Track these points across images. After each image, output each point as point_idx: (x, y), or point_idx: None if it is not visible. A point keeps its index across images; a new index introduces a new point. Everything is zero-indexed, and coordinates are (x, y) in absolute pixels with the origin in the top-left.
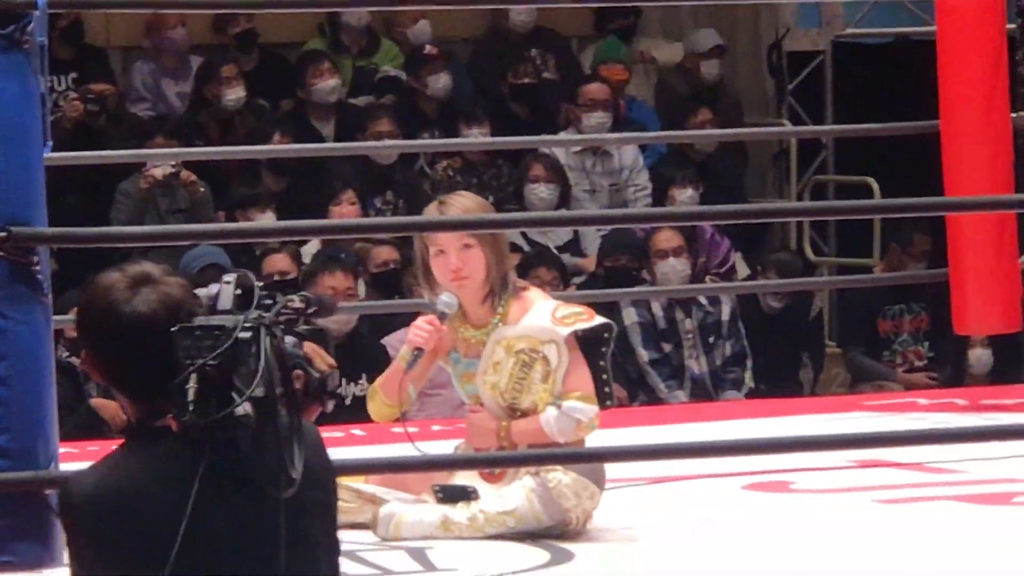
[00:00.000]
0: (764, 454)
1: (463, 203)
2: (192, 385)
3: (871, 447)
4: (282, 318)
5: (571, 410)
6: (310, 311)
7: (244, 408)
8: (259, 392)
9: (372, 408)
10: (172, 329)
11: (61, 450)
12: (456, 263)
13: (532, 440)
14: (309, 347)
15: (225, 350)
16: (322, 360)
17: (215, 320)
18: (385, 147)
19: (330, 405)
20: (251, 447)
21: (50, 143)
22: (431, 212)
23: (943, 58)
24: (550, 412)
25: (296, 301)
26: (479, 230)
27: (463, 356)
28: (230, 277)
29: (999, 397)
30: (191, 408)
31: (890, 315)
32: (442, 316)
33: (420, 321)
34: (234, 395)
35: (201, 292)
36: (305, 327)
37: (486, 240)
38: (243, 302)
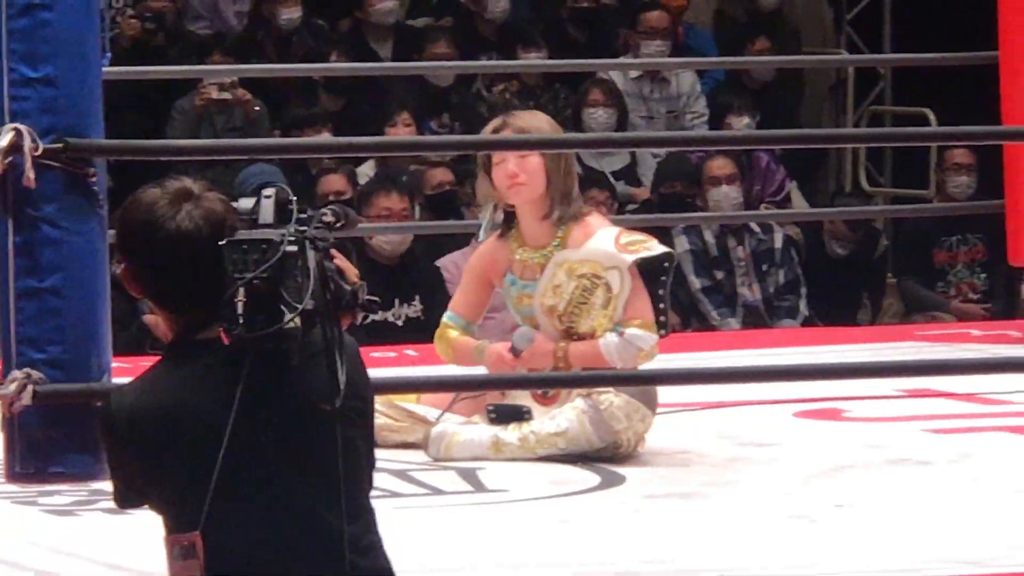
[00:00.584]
0: (814, 380)
1: (524, 122)
2: (241, 299)
3: (923, 375)
4: (318, 232)
5: (633, 338)
6: (338, 225)
7: (295, 321)
8: (309, 305)
9: (439, 349)
10: (219, 243)
11: (115, 364)
12: (513, 168)
13: (590, 364)
14: (338, 259)
15: (273, 263)
16: (351, 272)
17: (261, 234)
18: (442, 67)
19: (360, 317)
20: (300, 359)
21: (108, 55)
22: (492, 127)
23: None
24: (611, 338)
25: (328, 215)
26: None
27: (519, 277)
28: (270, 191)
29: None
30: (241, 321)
31: (946, 245)
32: (516, 352)
33: (503, 354)
34: (283, 308)
35: (238, 205)
36: (333, 240)
37: (548, 155)
38: (282, 216)
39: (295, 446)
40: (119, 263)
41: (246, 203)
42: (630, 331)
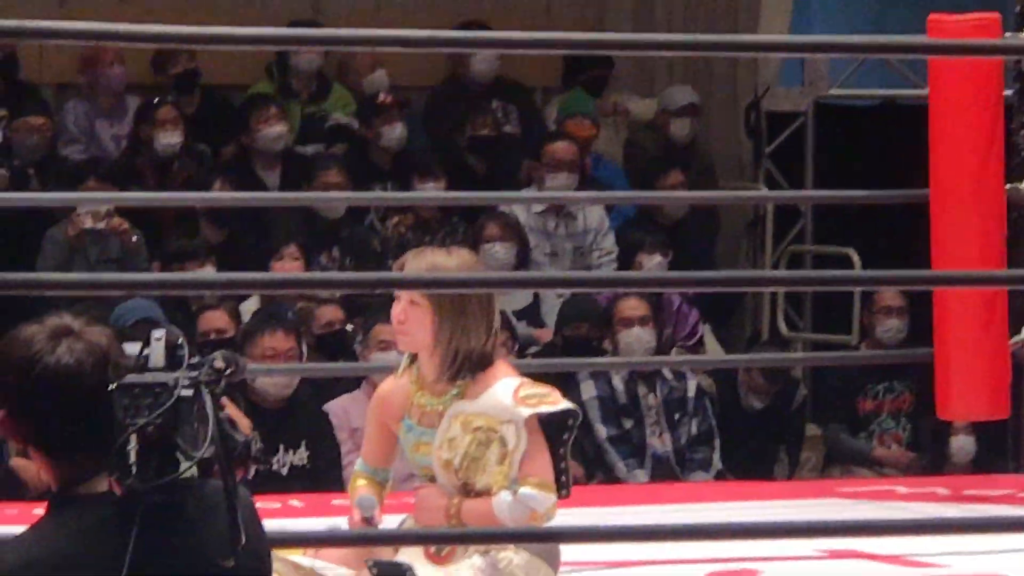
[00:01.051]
0: (729, 540)
1: (440, 259)
2: (133, 446)
3: (846, 536)
4: (210, 377)
5: (526, 498)
6: (228, 371)
7: (191, 470)
8: (207, 453)
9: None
10: (110, 387)
11: None
12: (400, 313)
13: (483, 523)
14: (230, 408)
15: (167, 408)
16: (242, 422)
17: (153, 378)
18: (333, 199)
19: (252, 470)
20: (197, 512)
21: None
22: (400, 262)
23: (935, 123)
24: (504, 497)
25: (219, 360)
26: (440, 294)
27: (416, 424)
28: (159, 333)
29: (983, 487)
30: (134, 471)
31: (872, 394)
32: (366, 520)
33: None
34: (179, 456)
35: (126, 348)
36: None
37: (444, 308)
38: (172, 359)
39: None
40: None
41: (132, 347)
42: (524, 491)
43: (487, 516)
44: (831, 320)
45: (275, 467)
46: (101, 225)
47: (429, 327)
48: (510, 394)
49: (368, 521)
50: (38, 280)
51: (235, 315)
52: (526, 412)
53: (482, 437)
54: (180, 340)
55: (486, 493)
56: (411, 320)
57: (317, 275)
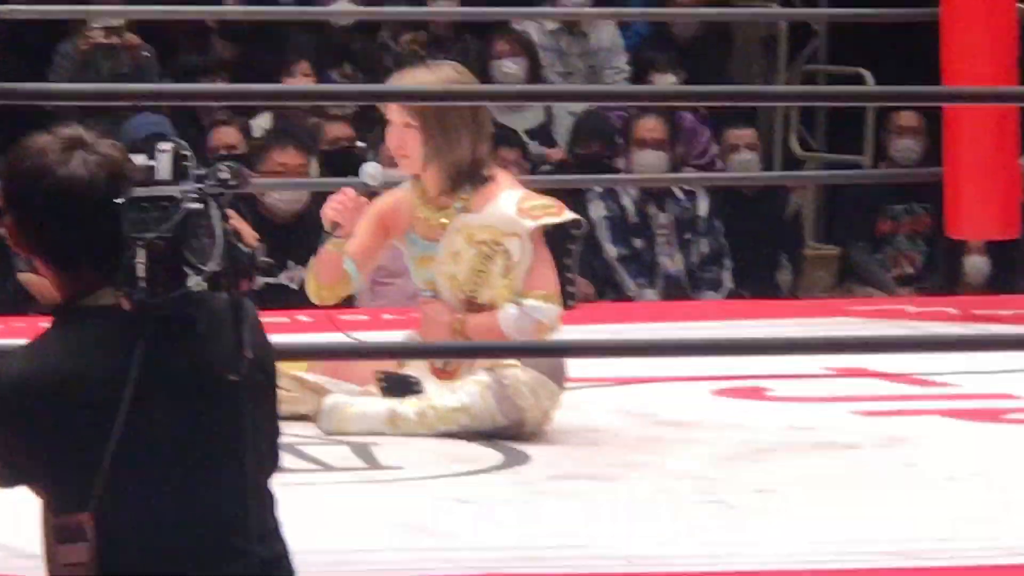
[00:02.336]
0: (736, 355)
1: (421, 76)
2: (141, 260)
3: (852, 352)
4: (216, 189)
5: (532, 309)
6: (234, 182)
7: (200, 284)
8: (215, 267)
9: (308, 289)
10: (117, 200)
11: None
12: (396, 139)
13: (488, 337)
14: (235, 220)
15: (176, 222)
16: (248, 234)
17: (161, 191)
18: (345, 13)
19: (257, 282)
20: (203, 325)
21: None
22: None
23: None
24: (509, 309)
25: (225, 171)
26: (425, 112)
27: (421, 238)
28: (166, 146)
29: (994, 307)
30: (142, 285)
31: (891, 214)
32: (364, 188)
33: (337, 194)
34: (187, 270)
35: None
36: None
37: (430, 124)
38: (178, 171)
39: (196, 421)
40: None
41: (138, 158)
42: (529, 302)
43: (493, 330)
44: (844, 141)
45: (285, 281)
46: (113, 40)
47: (419, 151)
48: (514, 206)
49: (369, 194)
50: (49, 90)
51: (246, 131)
52: (530, 224)
53: (486, 250)
54: (186, 152)
55: (490, 307)
56: (407, 142)
57: (323, 87)
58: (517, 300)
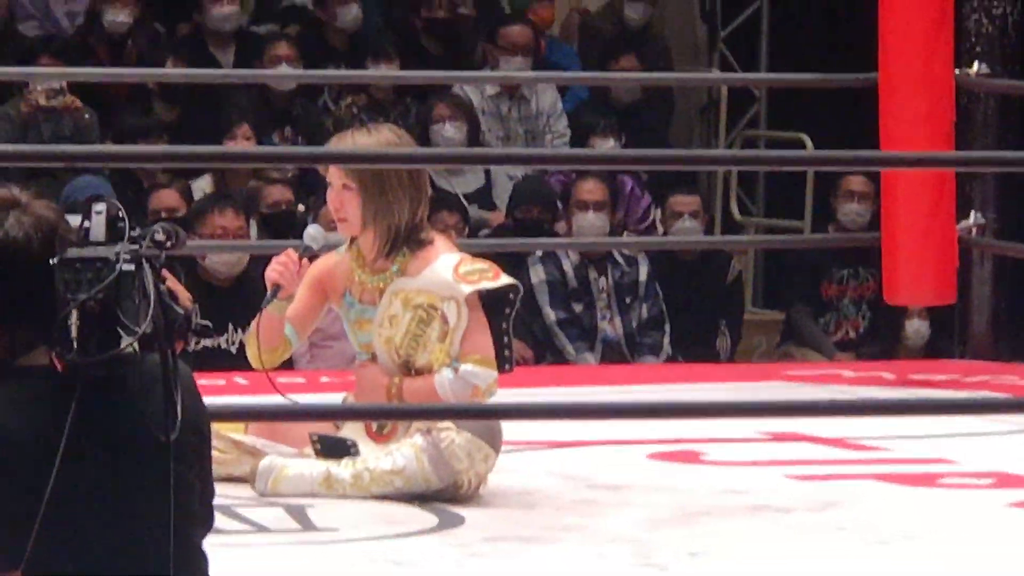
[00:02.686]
0: (669, 418)
1: (360, 139)
2: (75, 321)
3: (786, 416)
4: (151, 251)
5: (468, 374)
6: (169, 244)
7: (132, 345)
8: (148, 328)
9: (249, 354)
10: (52, 261)
11: None
12: (335, 200)
13: (424, 400)
14: (170, 281)
15: (109, 283)
16: (183, 295)
17: (95, 252)
18: (285, 76)
19: (192, 342)
20: (136, 386)
21: None
22: (332, 143)
23: (885, 8)
24: (445, 374)
25: (160, 233)
26: (363, 174)
27: (358, 301)
28: (100, 206)
29: (929, 372)
30: (75, 346)
31: (836, 279)
32: (305, 250)
33: (279, 256)
34: (120, 331)
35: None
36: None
37: (368, 187)
38: (113, 233)
39: (126, 482)
40: None
41: (73, 219)
42: (465, 367)
43: (429, 394)
44: (784, 206)
45: (224, 345)
46: (54, 102)
47: (358, 214)
48: (450, 270)
49: (304, 252)
50: None
51: (187, 194)
52: (467, 289)
53: (423, 315)
54: (121, 213)
55: (427, 371)
56: (346, 205)
57: (263, 148)
58: (453, 364)
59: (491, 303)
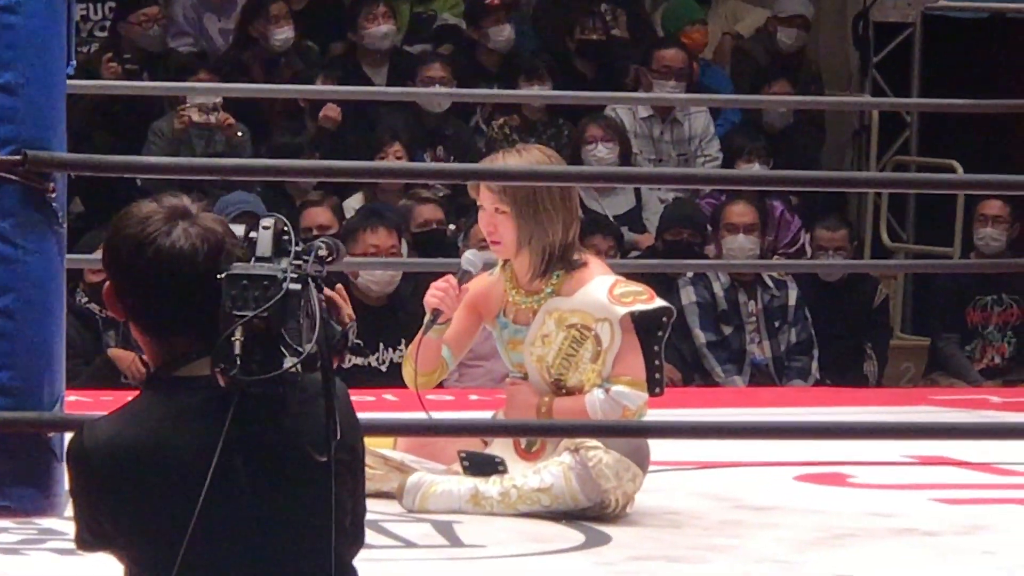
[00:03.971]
0: (815, 439)
1: (510, 159)
2: (239, 338)
3: (933, 438)
4: (314, 268)
5: (619, 395)
6: (330, 259)
7: (295, 366)
8: (312, 349)
9: (405, 376)
10: (219, 276)
11: (72, 398)
12: (488, 225)
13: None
14: (335, 292)
15: (275, 303)
16: (346, 309)
17: (262, 268)
18: (437, 94)
19: (348, 359)
20: (293, 404)
21: (73, 63)
22: (486, 163)
23: None
24: (596, 394)
25: (323, 248)
26: (516, 197)
27: (511, 321)
28: (268, 221)
29: None
30: (238, 363)
31: (980, 305)
32: (463, 275)
33: (439, 281)
34: (283, 350)
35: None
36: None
37: (521, 210)
38: (278, 248)
39: (280, 497)
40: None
41: (237, 231)
42: (617, 388)
43: (579, 413)
44: (934, 232)
45: (375, 363)
46: (207, 119)
47: (513, 237)
48: (605, 292)
49: (463, 277)
50: (136, 163)
51: (338, 211)
52: (621, 311)
53: (576, 334)
54: (287, 228)
55: (578, 391)
56: (500, 228)
57: (415, 164)
58: (604, 385)
59: (645, 326)
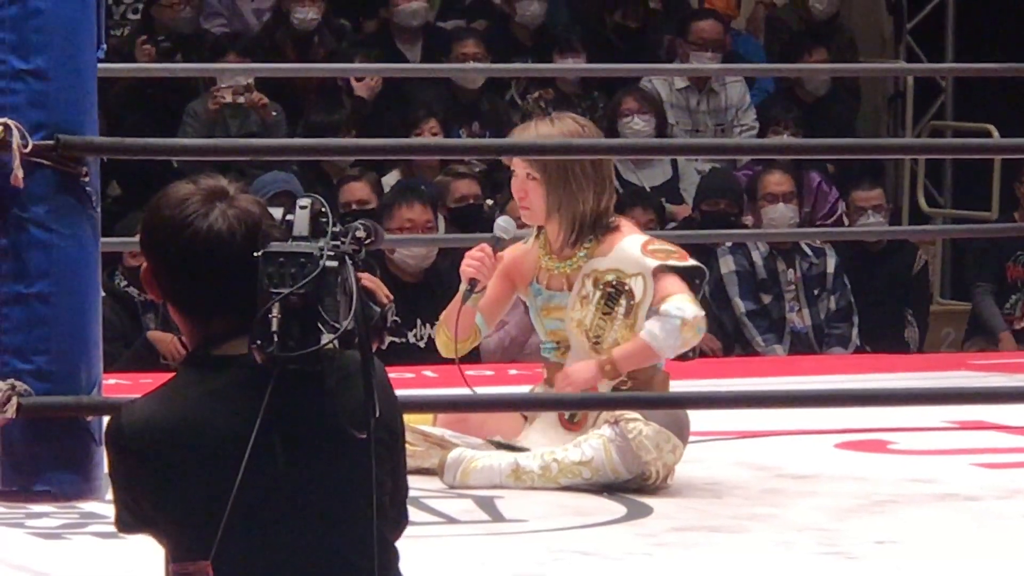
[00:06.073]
0: (854, 406)
1: (543, 129)
2: (276, 315)
3: (972, 403)
4: (352, 247)
5: (670, 309)
6: (368, 240)
7: (332, 342)
8: (349, 325)
9: (440, 343)
10: (256, 254)
11: (112, 381)
12: (519, 190)
13: (640, 363)
14: (368, 278)
15: (312, 279)
16: (382, 292)
17: (299, 247)
18: (471, 69)
19: (387, 340)
20: (331, 382)
21: (104, 46)
22: (516, 132)
23: None
24: (649, 325)
25: (361, 229)
26: (547, 164)
27: (544, 287)
28: (305, 202)
29: None
30: (275, 339)
31: (1021, 261)
32: (497, 242)
33: (474, 250)
34: (320, 327)
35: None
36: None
37: (551, 177)
38: (316, 228)
39: (320, 476)
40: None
41: (275, 212)
42: (665, 306)
43: (642, 350)
44: (971, 197)
45: (413, 340)
46: (241, 100)
47: (542, 204)
48: (638, 247)
49: (496, 244)
50: (170, 146)
51: (376, 187)
52: (653, 263)
53: (611, 291)
54: (324, 208)
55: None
56: (530, 194)
57: (450, 140)
58: (652, 312)
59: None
